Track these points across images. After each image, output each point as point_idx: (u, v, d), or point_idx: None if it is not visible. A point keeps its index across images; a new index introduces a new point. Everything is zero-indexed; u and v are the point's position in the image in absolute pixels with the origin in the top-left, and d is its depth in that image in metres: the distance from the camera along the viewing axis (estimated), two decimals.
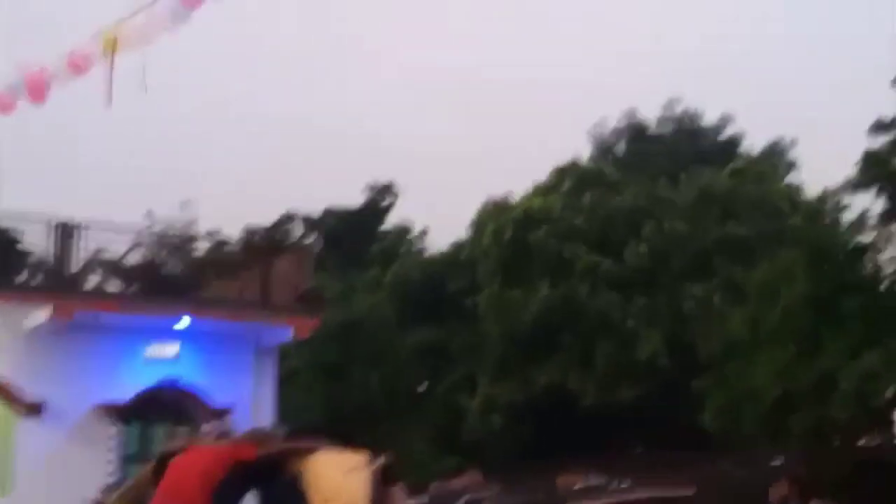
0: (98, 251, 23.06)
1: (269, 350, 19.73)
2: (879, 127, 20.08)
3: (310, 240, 45.83)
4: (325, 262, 40.29)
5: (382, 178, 48.16)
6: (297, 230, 47.40)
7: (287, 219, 47.85)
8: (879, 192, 19.90)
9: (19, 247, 19.13)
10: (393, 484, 7.93)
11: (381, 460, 7.93)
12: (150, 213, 44.05)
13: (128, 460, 17.54)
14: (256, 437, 7.95)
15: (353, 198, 47.94)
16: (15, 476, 17.49)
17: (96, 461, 17.60)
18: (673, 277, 32.73)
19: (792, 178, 40.01)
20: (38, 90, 9.72)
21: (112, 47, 9.13)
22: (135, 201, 46.50)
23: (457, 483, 31.66)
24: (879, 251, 19.92)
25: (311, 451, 7.49)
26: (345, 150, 70.21)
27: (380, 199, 48.05)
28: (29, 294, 17.75)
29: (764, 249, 27.43)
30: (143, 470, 8.02)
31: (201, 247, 30.21)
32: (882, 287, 19.81)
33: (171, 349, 18.72)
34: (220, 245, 25.66)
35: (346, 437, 8.41)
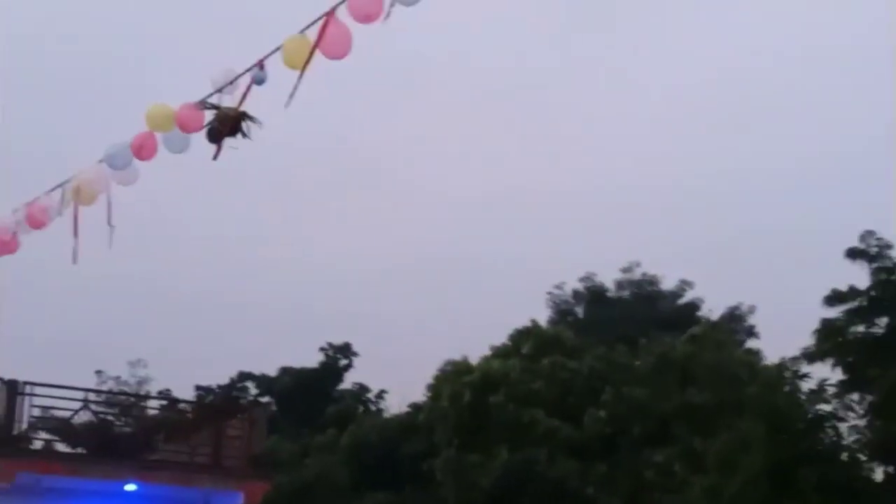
0: (45, 411, 22.50)
1: None
2: (834, 298, 20.29)
3: (264, 400, 45.30)
4: (279, 422, 39.67)
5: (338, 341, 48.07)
6: (252, 390, 46.88)
7: (241, 378, 47.37)
8: (836, 363, 19.93)
9: None
10: None
11: None
12: (99, 373, 43.74)
13: None
14: None
15: (309, 359, 47.70)
16: None
17: None
18: (632, 444, 32.39)
19: (751, 344, 40.23)
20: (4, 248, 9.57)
21: (75, 199, 9.07)
22: (83, 362, 45.94)
23: None
24: (839, 420, 19.83)
25: None
26: (300, 314, 70.05)
27: (337, 359, 47.78)
28: None
29: (723, 417, 27.27)
30: None
31: (152, 407, 29.63)
32: (843, 457, 19.65)
33: None
34: (172, 405, 25.17)
35: None
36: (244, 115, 8.08)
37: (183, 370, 49.08)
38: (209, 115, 8.12)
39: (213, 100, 8.14)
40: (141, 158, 8.53)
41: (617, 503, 30.78)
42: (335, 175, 79.35)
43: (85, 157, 9.19)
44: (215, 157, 8.16)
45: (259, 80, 7.91)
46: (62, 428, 22.02)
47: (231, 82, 8.06)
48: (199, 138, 8.33)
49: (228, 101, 8.11)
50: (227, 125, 8.00)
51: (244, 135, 8.15)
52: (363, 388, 46.31)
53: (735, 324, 41.79)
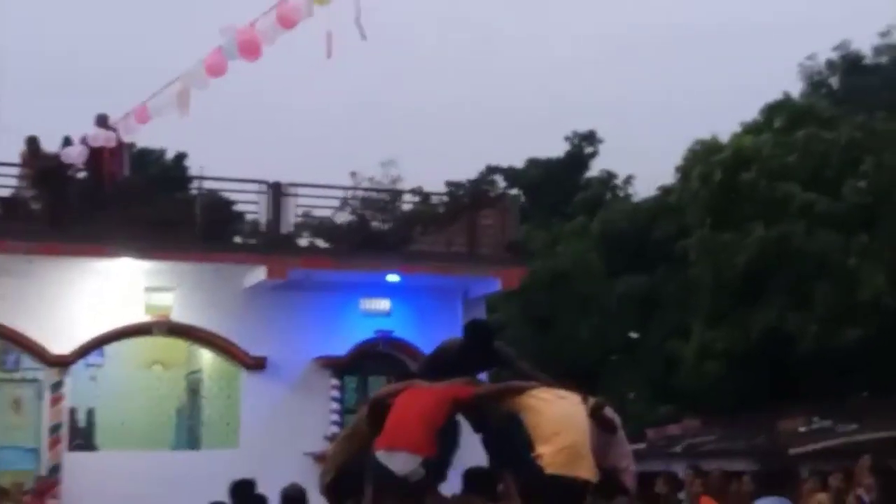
0: (308, 212, 23.62)
1: (477, 301, 19.79)
2: None
3: (513, 191, 45.84)
4: (529, 213, 40.20)
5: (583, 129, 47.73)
6: (500, 183, 47.52)
7: (489, 171, 48.05)
8: None
9: (234, 209, 19.72)
10: (611, 426, 7.76)
11: (600, 400, 7.78)
12: (354, 174, 45.29)
13: (347, 412, 17.93)
14: (472, 378, 7.92)
15: (555, 150, 47.73)
16: (240, 429, 18.15)
17: (318, 413, 18.09)
18: (895, 214, 31.12)
19: None
20: (251, 48, 9.65)
21: None
22: (339, 163, 47.70)
23: (674, 429, 31.35)
24: None
25: (527, 389, 7.40)
26: (540, 106, 69.92)
27: (582, 148, 47.60)
28: (245, 254, 18.28)
29: None
30: (358, 415, 8.10)
31: (406, 202, 30.60)
32: None
33: (383, 304, 19.04)
34: (425, 200, 25.84)
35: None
36: None
37: (433, 168, 50.37)
38: None
39: None
40: None
41: (880, 274, 29.85)
42: None
43: None
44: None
45: None
46: (325, 226, 23.11)
47: None
48: None
49: None
50: None
51: None
52: (610, 175, 46.08)
53: None
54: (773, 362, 31.36)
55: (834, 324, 30.00)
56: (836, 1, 67.95)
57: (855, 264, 30.19)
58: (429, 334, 18.77)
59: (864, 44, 41.44)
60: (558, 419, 7.03)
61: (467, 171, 47.95)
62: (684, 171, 36.63)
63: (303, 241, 25.10)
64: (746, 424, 27.45)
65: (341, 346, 18.45)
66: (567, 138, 47.63)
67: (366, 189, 37.62)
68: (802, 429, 24.90)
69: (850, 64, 41.51)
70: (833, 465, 15.67)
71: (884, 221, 30.98)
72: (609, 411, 7.75)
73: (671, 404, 35.65)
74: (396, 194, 30.27)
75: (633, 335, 39.22)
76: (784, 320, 30.97)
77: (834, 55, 41.69)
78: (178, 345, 19.11)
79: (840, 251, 30.75)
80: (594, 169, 47.07)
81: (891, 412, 23.18)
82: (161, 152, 42.35)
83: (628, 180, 45.69)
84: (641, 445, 27.78)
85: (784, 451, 23.30)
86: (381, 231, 21.31)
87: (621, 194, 45.23)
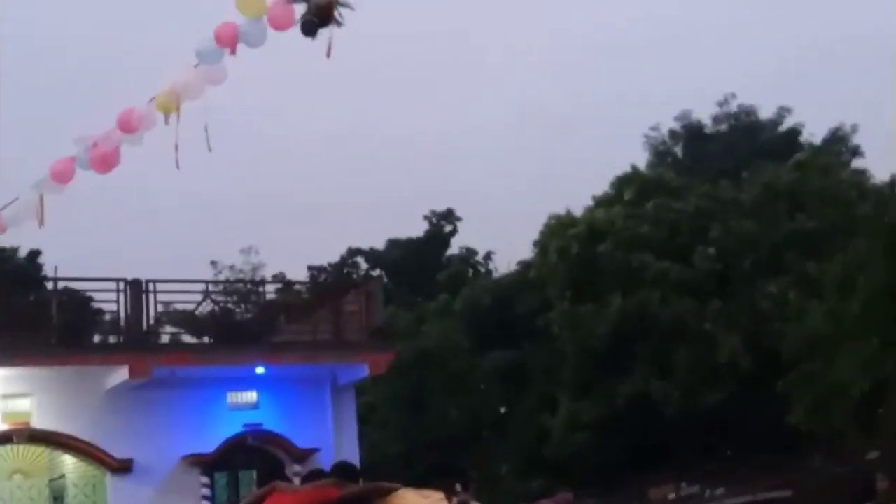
0: (168, 305, 23.21)
1: (346, 388, 19.71)
2: None
3: (375, 273, 45.98)
4: (392, 294, 40.32)
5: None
6: (362, 265, 47.62)
7: (351, 254, 48.12)
8: None
9: (93, 307, 19.30)
10: None
11: (461, 497, 7.81)
12: (215, 263, 44.82)
13: None
14: (337, 480, 7.88)
15: (414, 230, 48.16)
16: None
17: None
18: (745, 277, 32.27)
19: (857, 164, 39.41)
20: (104, 162, 9.55)
21: (168, 108, 8.90)
22: (199, 252, 47.15)
23: (547, 503, 31.54)
24: None
25: (392, 490, 7.41)
26: (398, 186, 70.58)
27: (441, 226, 48.13)
28: (106, 355, 17.89)
29: (835, 241, 26.91)
30: None
31: (269, 291, 30.33)
32: None
33: (250, 396, 18.82)
34: (288, 287, 25.72)
35: (428, 469, 8.30)
36: (337, 2, 7.77)
37: (294, 252, 50.18)
38: (300, 10, 7.83)
39: None
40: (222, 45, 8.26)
41: (735, 337, 30.82)
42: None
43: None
44: (328, 55, 7.89)
45: None
46: (187, 320, 22.74)
47: None
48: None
49: None
50: (322, 14, 7.72)
51: (338, 23, 7.87)
52: (470, 252, 46.70)
53: (839, 145, 40.92)
54: (639, 429, 31.90)
55: (695, 387, 30.77)
56: (676, 73, 70.67)
57: (711, 328, 31.11)
58: (298, 425, 18.69)
59: (704, 113, 43.21)
60: None
61: (329, 255, 47.97)
62: (542, 246, 37.33)
63: (165, 337, 24.61)
64: (618, 494, 27.79)
65: (209, 442, 18.12)
66: (426, 217, 48.13)
67: (226, 281, 37.18)
68: (671, 496, 25.33)
69: (692, 133, 43.12)
70: None
71: (735, 286, 32.06)
72: None
73: (543, 476, 35.85)
74: (258, 283, 30.04)
75: (503, 410, 39.44)
76: (647, 387, 31.63)
77: (676, 125, 43.28)
78: (40, 451, 18.49)
79: (696, 316, 31.67)
80: (454, 247, 47.63)
81: (754, 472, 23.79)
82: (13, 250, 41.22)
83: (488, 256, 46.38)
84: None
85: None
86: (245, 321, 21.06)
87: (482, 270, 45.79)
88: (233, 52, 8.19)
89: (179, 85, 8.49)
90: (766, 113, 42.82)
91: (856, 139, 41.33)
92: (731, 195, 34.46)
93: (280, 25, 7.96)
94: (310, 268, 43.17)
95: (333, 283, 28.04)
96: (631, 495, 27.07)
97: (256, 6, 8.05)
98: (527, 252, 40.40)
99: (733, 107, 43.16)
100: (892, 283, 18.82)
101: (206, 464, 18.06)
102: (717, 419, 30.93)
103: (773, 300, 29.82)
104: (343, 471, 7.75)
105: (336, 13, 7.80)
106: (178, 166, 8.46)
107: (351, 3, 7.85)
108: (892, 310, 18.79)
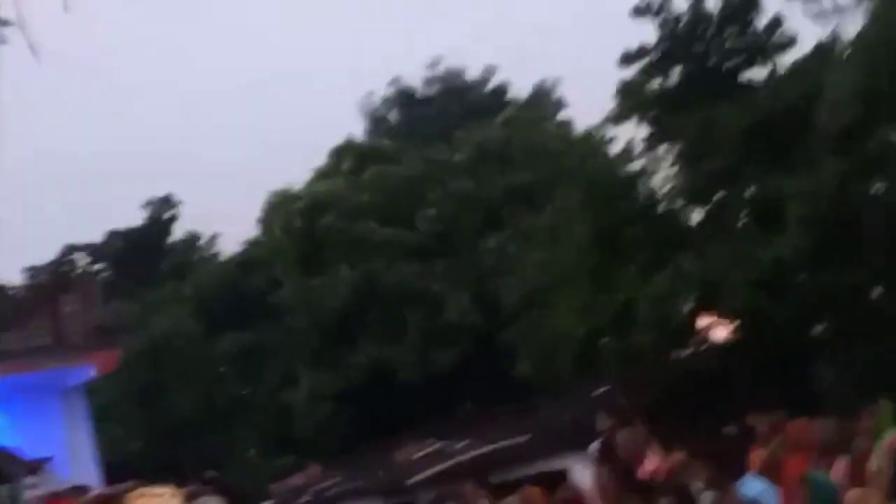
0: None
1: (76, 391, 19.16)
2: (627, 58, 20.70)
3: (99, 267, 44.53)
4: (118, 287, 39.23)
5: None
6: (83, 260, 45.95)
7: (69, 251, 46.30)
8: (640, 120, 20.57)
9: None
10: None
11: (193, 489, 7.84)
12: None
13: None
14: (72, 491, 7.77)
15: (133, 219, 46.84)
16: None
17: None
18: (467, 236, 33.22)
19: (563, 116, 41.07)
20: None
21: None
22: None
23: (297, 479, 31.59)
24: (651, 175, 20.64)
25: (123, 494, 7.35)
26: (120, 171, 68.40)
27: (161, 213, 47.05)
28: None
29: (547, 193, 27.98)
30: None
31: None
32: (659, 209, 20.56)
33: None
34: (1, 292, 24.52)
35: (174, 460, 8.27)
36: None
37: (8, 254, 47.71)
38: None
39: None
40: None
41: (463, 295, 31.73)
42: None
43: None
44: None
45: None
46: None
47: None
48: None
49: None
50: None
51: None
52: (194, 237, 45.92)
53: (543, 99, 42.52)
54: (379, 396, 32.44)
55: (428, 349, 31.56)
56: (382, 42, 71.44)
57: (438, 289, 31.90)
58: (32, 436, 18.03)
59: (416, 77, 43.82)
60: None
61: (47, 253, 45.91)
62: (266, 223, 37.18)
63: None
64: (366, 462, 28.19)
65: None
66: (144, 206, 46.92)
67: None
68: (417, 454, 25.87)
69: (405, 98, 43.77)
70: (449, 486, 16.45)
71: (458, 244, 32.97)
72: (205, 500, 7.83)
73: (292, 453, 35.97)
74: None
75: (245, 392, 39.22)
76: (382, 354, 32.17)
77: (389, 91, 43.81)
78: None
79: (423, 279, 32.40)
80: (177, 233, 46.68)
81: (493, 423, 24.63)
82: None
83: (213, 239, 45.73)
84: (269, 503, 27.86)
85: (404, 481, 24.15)
86: None
87: (208, 255, 45.15)
88: None
89: None
90: (473, 73, 43.93)
91: (559, 92, 42.95)
92: (445, 157, 35.32)
93: None
94: (27, 269, 41.25)
95: (48, 284, 26.86)
96: (380, 461, 27.50)
97: None
98: (254, 232, 40.14)
99: (442, 70, 44.03)
100: (596, 232, 19.85)
101: None
102: (454, 377, 31.85)
103: (495, 255, 30.82)
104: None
105: None
106: None
107: None
108: (599, 256, 19.83)
